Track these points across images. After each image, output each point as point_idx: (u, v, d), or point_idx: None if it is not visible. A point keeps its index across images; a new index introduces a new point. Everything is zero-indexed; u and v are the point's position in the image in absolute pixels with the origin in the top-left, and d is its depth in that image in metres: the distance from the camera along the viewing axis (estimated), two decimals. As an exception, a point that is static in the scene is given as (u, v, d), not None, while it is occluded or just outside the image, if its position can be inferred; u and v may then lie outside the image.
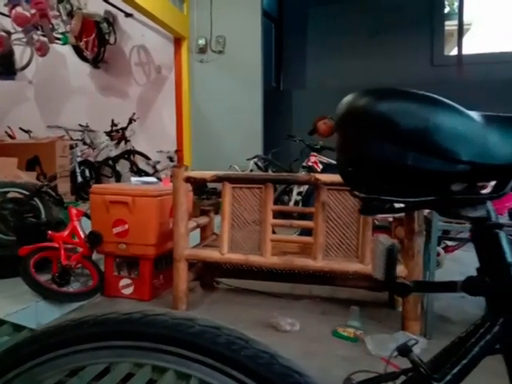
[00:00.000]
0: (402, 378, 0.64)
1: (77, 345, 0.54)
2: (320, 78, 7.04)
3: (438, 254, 2.61)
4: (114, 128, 5.75)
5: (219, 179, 2.52)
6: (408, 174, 0.54)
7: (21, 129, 5.82)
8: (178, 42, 5.81)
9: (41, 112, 6.43)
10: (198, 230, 2.97)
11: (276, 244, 2.56)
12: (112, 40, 6.02)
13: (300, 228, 3.24)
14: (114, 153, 5.73)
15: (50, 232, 2.68)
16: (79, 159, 5.38)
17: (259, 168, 5.47)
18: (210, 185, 4.89)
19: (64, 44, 5.25)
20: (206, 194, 5.04)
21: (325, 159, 4.75)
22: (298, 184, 4.19)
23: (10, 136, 5.82)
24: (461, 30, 6.43)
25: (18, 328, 1.96)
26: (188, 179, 2.55)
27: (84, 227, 2.81)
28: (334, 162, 4.45)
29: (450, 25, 6.96)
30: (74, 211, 2.82)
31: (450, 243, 2.87)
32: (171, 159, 5.74)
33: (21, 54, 6.00)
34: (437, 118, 0.53)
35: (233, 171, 4.77)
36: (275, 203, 3.89)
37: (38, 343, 0.56)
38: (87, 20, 5.30)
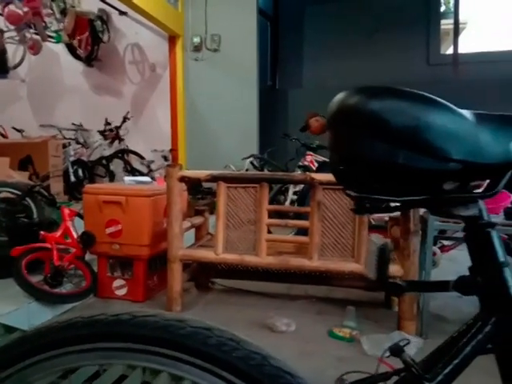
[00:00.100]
0: (395, 378, 0.63)
1: (65, 347, 0.54)
2: (316, 76, 7.02)
3: (434, 254, 2.60)
4: (108, 127, 5.71)
5: (214, 179, 2.50)
6: (399, 172, 0.54)
7: (13, 128, 5.76)
8: (172, 40, 5.77)
9: (33, 111, 6.37)
10: (193, 230, 2.94)
11: (271, 244, 2.54)
12: (106, 38, 5.97)
13: (296, 228, 3.23)
14: (107, 152, 5.69)
15: (42, 232, 2.65)
16: (72, 159, 5.33)
17: (255, 167, 5.45)
18: (205, 184, 4.86)
19: (57, 42, 5.21)
20: (200, 193, 5.02)
21: (321, 158, 4.74)
22: (294, 183, 4.17)
23: (2, 135, 5.76)
24: (457, 29, 6.44)
25: (9, 329, 1.93)
26: (182, 179, 2.53)
27: (77, 227, 2.78)
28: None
29: (446, 24, 6.97)
30: (66, 211, 2.79)
31: (446, 243, 2.87)
32: (166, 158, 5.70)
33: (13, 52, 5.93)
34: (428, 117, 0.53)
35: (228, 171, 4.74)
36: (271, 203, 3.87)
37: (27, 345, 0.56)
38: (81, 18, 5.26)
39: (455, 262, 2.86)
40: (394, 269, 2.24)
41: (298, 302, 2.73)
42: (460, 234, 2.51)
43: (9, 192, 2.97)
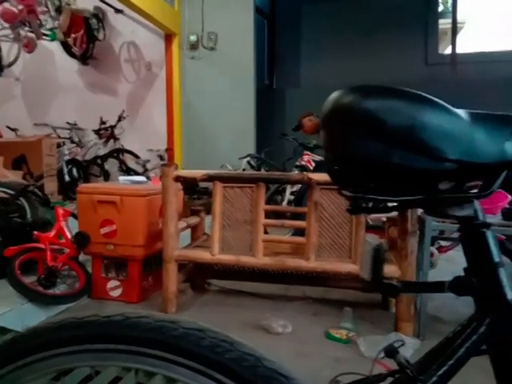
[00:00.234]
0: (390, 379, 0.62)
1: (58, 348, 0.54)
2: (313, 76, 7.01)
3: (432, 255, 2.59)
4: (103, 126, 5.68)
5: (210, 178, 2.48)
6: (394, 172, 0.54)
7: (7, 127, 5.72)
8: (168, 38, 5.75)
9: (28, 110, 6.33)
10: (189, 231, 2.92)
11: (268, 244, 2.52)
12: (101, 36, 5.94)
13: (293, 228, 3.21)
14: (102, 151, 5.66)
15: (35, 232, 2.62)
16: (67, 158, 5.29)
17: (252, 167, 5.43)
18: (202, 184, 4.84)
19: (52, 40, 5.17)
20: (197, 193, 4.99)
21: (318, 158, 4.72)
22: (291, 183, 4.16)
23: (-4, 134, 5.71)
24: (454, 29, 6.45)
25: (3, 331, 1.92)
26: (178, 178, 2.50)
27: (71, 227, 2.75)
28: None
29: (444, 23, 6.98)
30: (60, 211, 2.76)
31: (443, 243, 2.86)
32: (161, 158, 5.68)
33: (8, 50, 5.90)
34: (423, 116, 0.52)
35: (225, 170, 4.72)
36: (268, 203, 3.85)
37: (19, 346, 0.56)
38: (76, 16, 5.22)
39: (453, 263, 2.85)
40: (392, 269, 2.22)
41: (295, 303, 2.71)
42: (457, 235, 2.49)
43: (2, 191, 2.94)
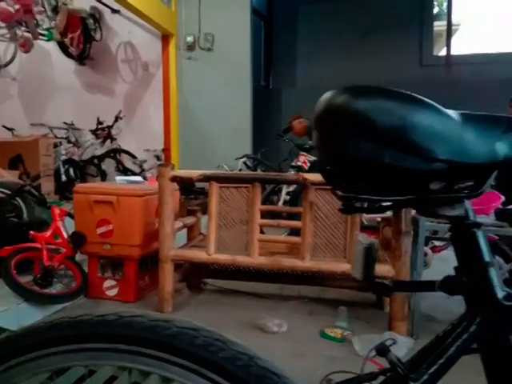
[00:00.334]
0: (382, 378, 0.63)
1: (51, 347, 0.53)
2: (310, 76, 7.03)
3: (426, 254, 2.61)
4: (100, 126, 5.67)
5: (206, 178, 2.49)
6: (386, 172, 0.54)
7: (4, 126, 5.70)
8: (165, 38, 5.75)
9: (24, 109, 6.31)
10: (185, 231, 2.92)
11: (264, 244, 2.53)
12: (98, 36, 5.93)
13: (289, 228, 3.22)
14: (99, 151, 5.65)
15: (32, 232, 2.62)
16: (63, 158, 5.29)
17: (248, 167, 5.44)
18: (198, 184, 4.83)
19: (49, 40, 5.16)
20: (193, 193, 5.00)
21: (313, 158, 4.73)
22: (286, 184, 4.17)
23: (-8, 134, 5.69)
24: (449, 31, 6.49)
25: (-2, 330, 1.91)
26: (174, 178, 2.51)
27: (67, 227, 2.75)
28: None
29: (439, 25, 7.02)
30: (57, 211, 2.77)
31: (437, 243, 2.88)
32: (158, 158, 5.68)
33: (4, 50, 5.88)
34: (414, 116, 0.53)
35: (221, 170, 4.73)
36: (264, 203, 3.86)
37: (12, 345, 0.55)
38: (73, 16, 5.21)
39: (446, 263, 2.87)
40: (386, 269, 2.24)
41: (290, 303, 2.73)
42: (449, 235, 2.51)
43: (-2, 191, 2.93)
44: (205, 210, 3.00)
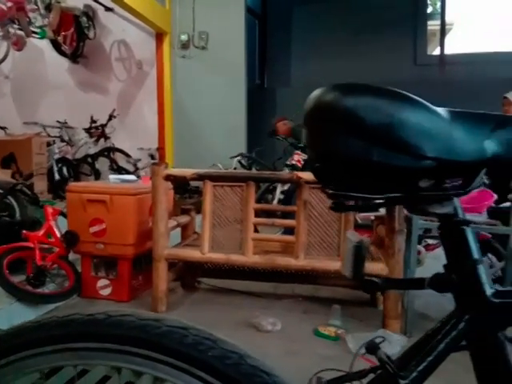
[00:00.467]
0: (372, 375, 0.63)
1: (40, 347, 0.53)
2: (304, 75, 7.04)
3: (419, 252, 2.62)
4: (94, 125, 5.64)
5: (200, 177, 2.48)
6: (375, 169, 0.54)
7: (-4, 125, 5.66)
8: (159, 37, 5.73)
9: (17, 108, 6.26)
10: (179, 230, 2.92)
11: (258, 243, 2.53)
12: (91, 34, 5.90)
13: (283, 226, 3.22)
14: (93, 150, 5.62)
15: (24, 231, 2.60)
16: (57, 156, 5.26)
17: (243, 166, 5.44)
18: (193, 183, 4.84)
19: (41, 38, 5.13)
20: (188, 192, 4.99)
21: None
22: (280, 182, 4.18)
23: (-15, 132, 5.65)
24: (443, 30, 6.51)
25: (-11, 331, 1.89)
26: (168, 177, 2.50)
27: (60, 227, 2.73)
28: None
29: (433, 25, 7.05)
30: (49, 210, 2.75)
31: (430, 241, 2.89)
32: (153, 157, 5.66)
33: (-4, 47, 5.82)
34: (402, 114, 0.52)
35: (216, 169, 4.72)
36: (259, 202, 3.86)
37: (1, 345, 0.55)
38: (66, 14, 5.18)
39: (440, 261, 2.86)
40: (379, 267, 2.25)
41: (284, 301, 2.73)
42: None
43: (-10, 190, 2.91)
44: (199, 208, 3.00)
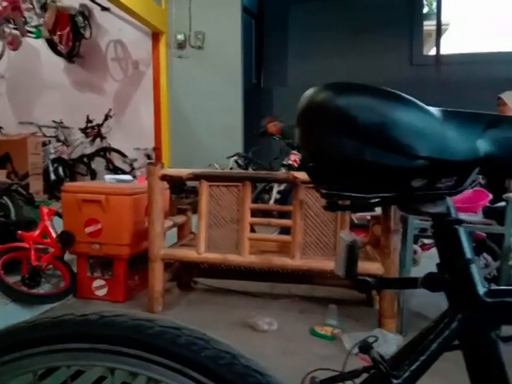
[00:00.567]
0: (365, 375, 0.63)
1: (32, 347, 0.53)
2: (301, 75, 7.04)
3: (415, 252, 2.63)
4: (89, 124, 5.63)
5: (196, 177, 2.48)
6: (367, 169, 0.54)
7: (-8, 125, 5.64)
8: (156, 36, 5.72)
9: (13, 108, 6.24)
10: (176, 230, 2.91)
11: (254, 243, 2.53)
12: (87, 34, 5.88)
13: (279, 226, 3.22)
14: (88, 150, 5.61)
15: (19, 232, 2.59)
16: (52, 156, 5.24)
17: (239, 166, 5.43)
18: (190, 183, 4.83)
19: (37, 37, 5.11)
20: (185, 192, 4.98)
21: (304, 157, 4.74)
22: (276, 182, 4.17)
23: (-20, 132, 5.62)
24: (439, 30, 6.54)
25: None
26: (164, 177, 2.50)
27: (56, 227, 2.72)
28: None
29: (429, 25, 7.07)
30: (45, 210, 2.74)
31: (426, 241, 2.90)
32: (149, 157, 5.65)
33: (-8, 47, 5.79)
34: (394, 113, 0.52)
35: (212, 169, 4.72)
36: (255, 202, 3.85)
37: None
38: (61, 13, 5.17)
39: (436, 260, 2.89)
40: (375, 267, 2.26)
41: (281, 301, 2.73)
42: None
43: (-15, 191, 2.90)
44: (195, 208, 3.00)
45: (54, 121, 5.80)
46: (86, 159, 5.57)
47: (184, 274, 2.95)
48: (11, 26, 4.67)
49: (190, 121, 5.82)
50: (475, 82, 5.90)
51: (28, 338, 0.54)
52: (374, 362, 0.57)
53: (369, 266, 2.26)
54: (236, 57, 5.75)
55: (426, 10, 7.39)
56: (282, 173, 3.42)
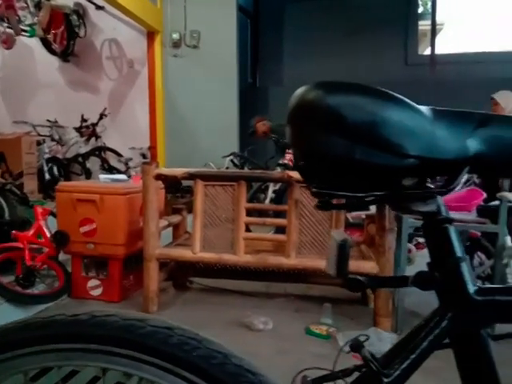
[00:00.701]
0: (357, 374, 0.62)
1: (22, 348, 0.53)
2: (297, 74, 7.02)
3: (410, 251, 2.64)
4: (84, 124, 5.60)
5: (191, 176, 2.47)
6: (358, 168, 0.54)
7: (-15, 124, 5.59)
8: (151, 35, 5.70)
9: (7, 107, 6.19)
10: (171, 229, 2.90)
11: (250, 242, 2.53)
12: (82, 33, 5.85)
13: (275, 226, 3.23)
14: (83, 149, 5.59)
15: (13, 232, 2.57)
16: (47, 156, 5.21)
17: (235, 165, 5.43)
18: (185, 183, 4.82)
19: (31, 36, 5.08)
20: (180, 192, 4.97)
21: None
22: (271, 181, 4.17)
23: (-27, 131, 5.58)
24: (434, 30, 6.56)
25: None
26: (159, 176, 2.49)
27: (50, 227, 2.71)
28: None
29: (424, 25, 7.10)
30: (39, 210, 2.72)
31: (421, 240, 2.91)
32: (144, 156, 5.63)
33: (-15, 46, 5.75)
34: (384, 112, 0.52)
35: (208, 169, 4.72)
36: (251, 201, 3.85)
37: None
38: (56, 12, 5.14)
39: (430, 259, 2.91)
40: (370, 266, 2.26)
41: (276, 300, 2.73)
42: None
43: (-21, 190, 2.88)
44: (191, 208, 2.99)
45: (48, 120, 5.76)
46: (80, 158, 5.54)
47: (179, 274, 2.94)
48: (5, 24, 4.65)
49: (186, 120, 5.81)
50: (470, 81, 5.93)
51: (19, 338, 0.53)
52: (365, 361, 0.57)
53: (363, 265, 2.27)
54: (231, 56, 5.74)
55: (420, 9, 7.42)
56: (277, 172, 3.42)
